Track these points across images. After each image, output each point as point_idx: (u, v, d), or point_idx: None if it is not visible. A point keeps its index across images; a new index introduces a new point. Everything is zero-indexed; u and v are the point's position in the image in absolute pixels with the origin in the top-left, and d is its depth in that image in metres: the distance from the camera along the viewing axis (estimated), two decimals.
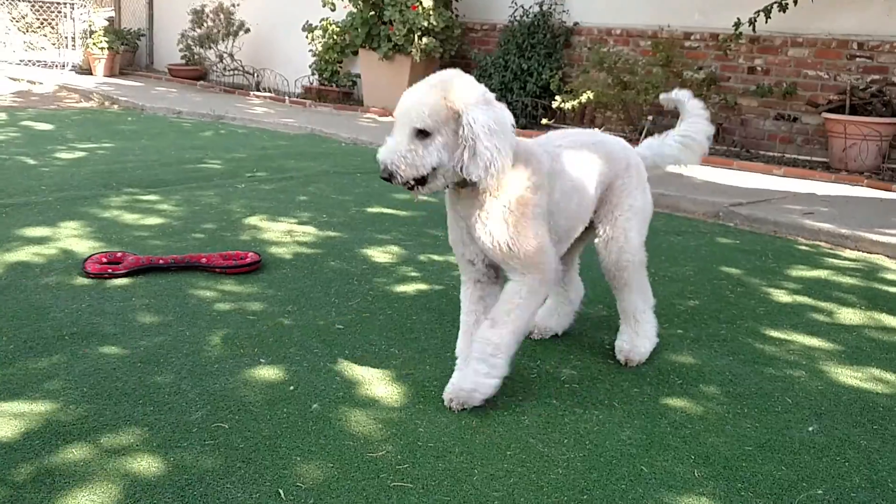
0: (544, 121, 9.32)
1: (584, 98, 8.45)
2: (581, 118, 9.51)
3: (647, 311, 2.90)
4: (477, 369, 2.42)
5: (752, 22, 7.42)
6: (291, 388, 2.55)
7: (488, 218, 2.38)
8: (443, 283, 3.64)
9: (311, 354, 2.83)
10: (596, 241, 2.84)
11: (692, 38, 8.65)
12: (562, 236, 2.64)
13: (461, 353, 2.60)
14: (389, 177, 2.23)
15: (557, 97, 8.84)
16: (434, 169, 2.25)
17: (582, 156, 2.69)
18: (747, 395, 2.67)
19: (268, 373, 2.66)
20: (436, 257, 4.09)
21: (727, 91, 8.31)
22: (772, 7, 7.26)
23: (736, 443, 2.34)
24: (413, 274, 3.80)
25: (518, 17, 9.71)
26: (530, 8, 9.65)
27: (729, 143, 8.26)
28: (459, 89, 2.25)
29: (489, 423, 2.38)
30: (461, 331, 2.64)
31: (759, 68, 8.19)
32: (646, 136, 8.25)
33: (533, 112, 9.46)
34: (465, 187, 2.36)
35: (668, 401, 2.60)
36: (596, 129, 3.02)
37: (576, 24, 9.58)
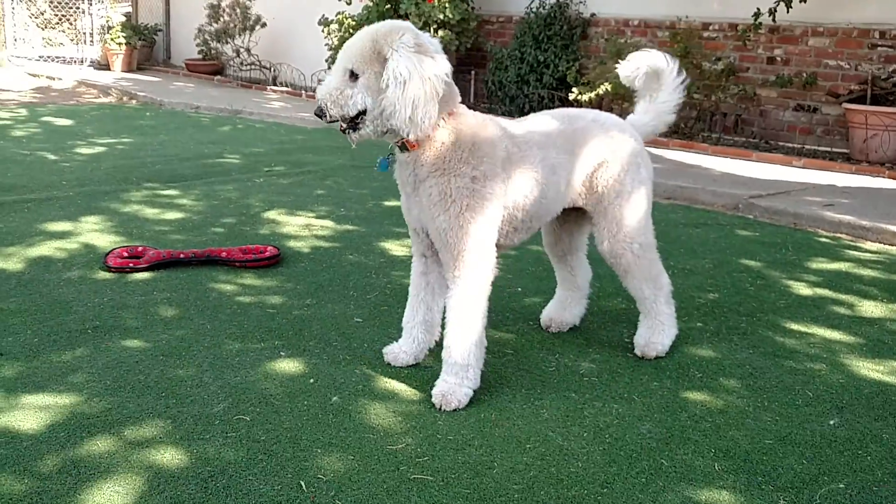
0: None
1: (601, 90, 8.41)
2: (598, 109, 9.44)
3: (660, 301, 2.81)
4: (449, 381, 2.44)
5: (772, 12, 7.34)
6: (311, 380, 2.57)
7: (428, 196, 2.35)
8: None
9: (330, 347, 2.84)
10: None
11: (711, 28, 8.57)
12: (518, 227, 2.57)
13: (405, 325, 2.72)
14: (320, 113, 2.28)
15: (574, 89, 8.80)
16: (361, 112, 2.27)
17: (554, 140, 2.57)
18: (768, 389, 2.65)
19: (288, 365, 2.68)
20: None
21: (746, 82, 8.23)
22: None
23: (756, 436, 2.33)
24: None
25: (534, 9, 9.65)
26: None
27: (748, 135, 8.18)
28: (391, 34, 2.23)
29: (508, 417, 2.39)
30: (408, 303, 2.72)
31: (778, 58, 8.10)
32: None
33: (550, 104, 9.41)
34: (405, 150, 2.36)
35: (688, 394, 2.59)
36: (585, 109, 2.89)
37: (592, 14, 9.51)
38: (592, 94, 8.53)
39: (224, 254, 3.67)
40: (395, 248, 4.12)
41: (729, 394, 2.61)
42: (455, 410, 2.40)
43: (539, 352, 2.86)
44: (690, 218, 5.20)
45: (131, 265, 3.49)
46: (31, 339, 2.76)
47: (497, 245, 2.49)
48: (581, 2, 9.54)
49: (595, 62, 9.21)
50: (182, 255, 3.62)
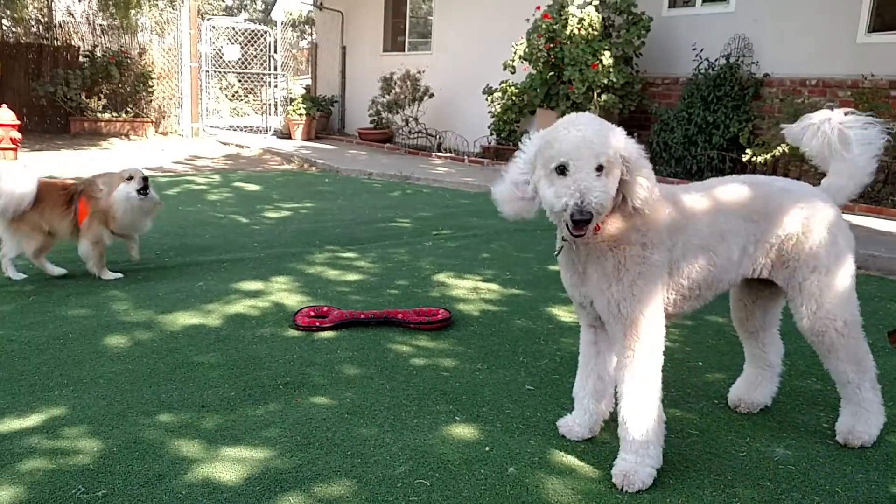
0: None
1: (777, 151, 8.03)
2: (774, 171, 9.00)
3: (864, 385, 2.57)
4: (629, 459, 2.34)
5: None
6: (487, 448, 2.57)
7: (602, 269, 2.29)
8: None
9: (503, 414, 2.84)
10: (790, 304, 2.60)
11: None
12: (686, 295, 2.43)
13: (576, 395, 2.67)
14: (588, 219, 2.10)
15: (748, 150, 8.46)
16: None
17: (727, 206, 2.44)
18: None
19: (463, 431, 2.70)
20: None
21: None
22: None
23: None
24: None
25: (703, 70, 9.46)
26: (716, 60, 9.38)
27: None
28: (610, 128, 2.20)
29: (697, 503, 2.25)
30: (577, 373, 2.67)
31: None
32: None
33: (720, 165, 9.09)
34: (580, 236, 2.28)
35: None
36: (772, 177, 2.66)
37: (766, 75, 9.16)
38: (768, 156, 8.16)
39: (400, 315, 3.80)
40: (562, 313, 4.08)
41: None
42: (638, 492, 2.30)
43: (727, 434, 2.69)
44: (887, 290, 4.77)
45: (317, 324, 3.70)
46: (229, 393, 2.97)
47: (665, 314, 2.39)
48: (754, 62, 9.23)
49: (769, 122, 8.82)
50: (363, 316, 3.79)
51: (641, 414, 2.33)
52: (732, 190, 2.51)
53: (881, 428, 2.62)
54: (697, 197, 2.46)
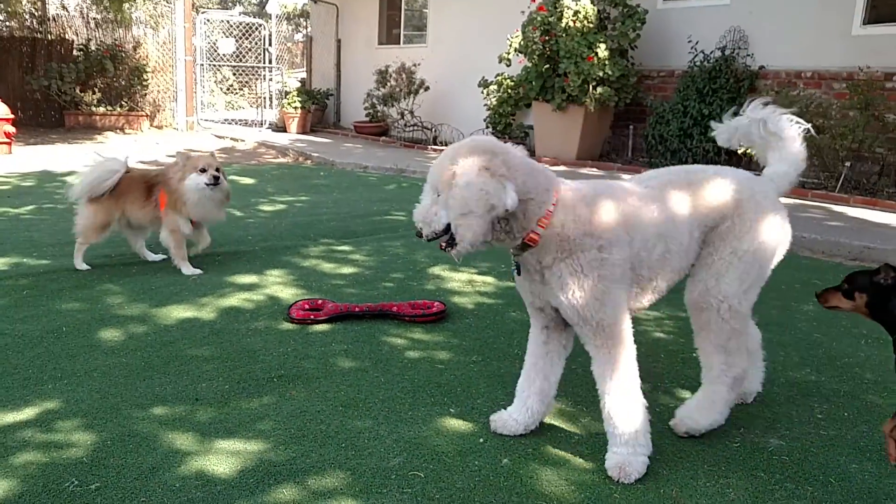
0: None
1: None
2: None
3: (724, 377, 2.52)
4: (621, 451, 2.36)
5: None
6: (481, 440, 2.57)
7: (559, 278, 2.29)
8: None
9: (498, 406, 2.83)
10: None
11: (894, 78, 7.98)
12: (644, 287, 2.43)
13: (519, 392, 2.66)
14: (419, 234, 2.33)
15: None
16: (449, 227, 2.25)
17: (675, 196, 2.45)
18: None
19: (458, 423, 2.70)
20: None
21: None
22: None
23: None
24: None
25: (698, 63, 9.45)
26: (711, 53, 9.37)
27: None
28: (464, 156, 2.22)
29: (691, 495, 2.25)
30: (524, 370, 2.66)
31: None
32: (843, 184, 7.64)
33: (715, 158, 9.09)
34: (527, 248, 2.31)
35: (893, 482, 2.34)
36: (708, 166, 2.63)
37: (761, 67, 9.16)
38: None
39: (395, 308, 3.80)
40: None
41: None
42: (632, 485, 2.30)
43: (722, 425, 2.70)
44: None
45: (312, 317, 3.70)
46: (223, 386, 2.97)
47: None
48: (749, 55, 9.22)
49: None
50: (357, 309, 3.79)
51: (626, 407, 2.34)
52: (679, 178, 2.51)
53: (713, 425, 2.58)
54: (647, 187, 2.47)
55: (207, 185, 4.37)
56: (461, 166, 2.19)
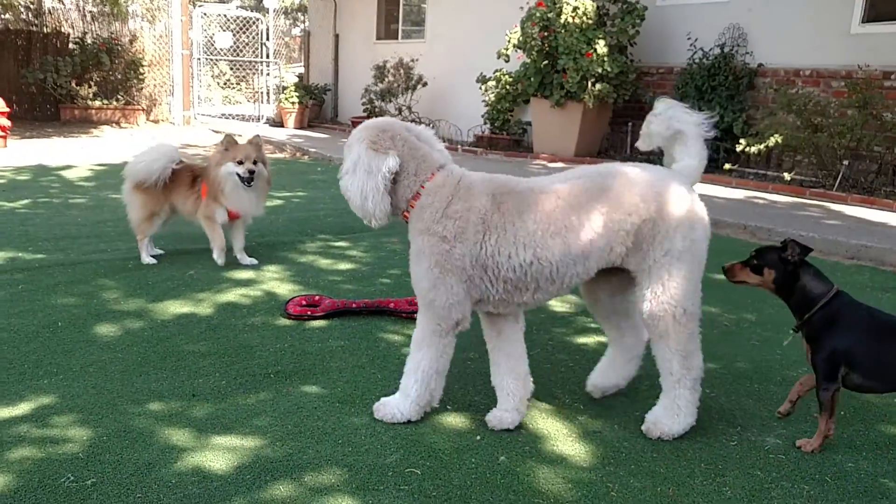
0: (727, 165, 8.93)
1: (771, 142, 8.03)
2: (767, 162, 9.02)
3: (685, 383, 2.52)
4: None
5: None
6: (478, 437, 2.57)
7: (413, 252, 2.60)
8: None
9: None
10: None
11: (893, 77, 7.98)
12: (519, 286, 2.48)
13: (495, 386, 2.74)
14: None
15: (742, 140, 8.46)
16: None
17: (573, 201, 2.45)
18: None
19: (455, 420, 2.69)
20: None
21: None
22: None
23: None
24: (593, 325, 3.73)
25: (697, 60, 9.44)
26: (710, 50, 9.37)
27: None
28: (358, 131, 2.59)
29: (688, 493, 2.25)
30: (490, 360, 2.77)
31: None
32: (841, 182, 7.65)
33: (714, 155, 9.09)
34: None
35: (887, 481, 2.34)
36: (628, 163, 2.64)
37: (760, 65, 9.16)
38: (762, 146, 8.16)
39: (392, 304, 3.79)
40: (555, 303, 4.08)
41: None
42: (629, 481, 2.30)
43: (718, 423, 2.70)
44: (878, 281, 4.79)
45: (309, 313, 3.69)
46: (220, 382, 2.96)
47: (507, 303, 2.54)
48: (748, 52, 9.22)
49: (763, 113, 8.82)
50: (354, 305, 3.78)
51: (414, 370, 2.62)
52: (588, 180, 2.51)
53: (685, 429, 2.58)
54: (531, 189, 2.50)
55: (241, 178, 4.32)
56: (351, 136, 2.58)
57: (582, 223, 2.44)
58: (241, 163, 4.34)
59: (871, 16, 8.34)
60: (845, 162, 7.94)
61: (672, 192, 2.48)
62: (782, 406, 2.66)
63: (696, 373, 2.54)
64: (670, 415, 2.56)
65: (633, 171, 2.52)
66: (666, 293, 2.45)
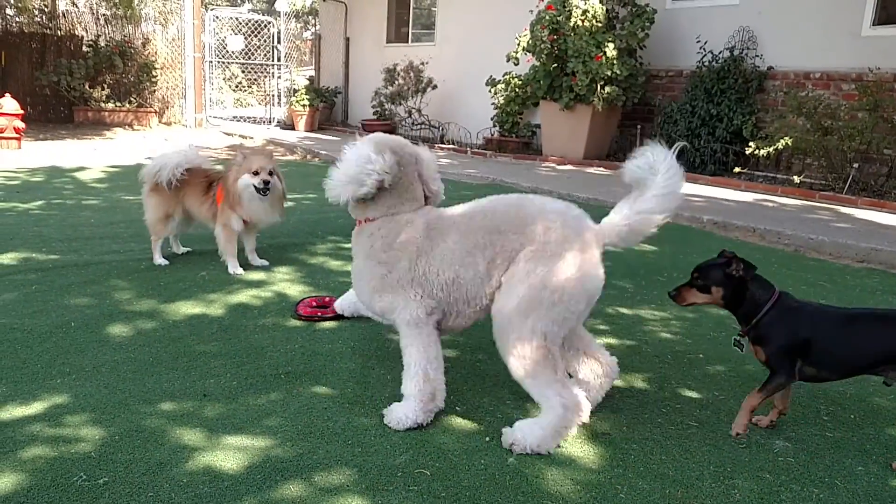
0: (737, 168, 8.90)
1: (780, 144, 8.01)
2: (777, 165, 8.99)
3: (552, 399, 2.46)
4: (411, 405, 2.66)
5: None
6: (487, 439, 2.58)
7: (354, 269, 2.83)
8: (634, 339, 3.53)
9: (503, 405, 2.84)
10: None
11: None
12: (450, 311, 2.67)
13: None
14: None
15: (751, 143, 8.44)
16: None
17: (474, 228, 2.61)
18: None
19: (464, 422, 2.70)
20: (624, 310, 3.99)
21: None
22: None
23: None
24: (601, 327, 3.73)
25: (706, 63, 9.43)
26: (720, 53, 9.35)
27: None
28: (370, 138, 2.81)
29: (696, 496, 2.26)
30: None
31: None
32: (851, 185, 7.61)
33: (723, 158, 9.07)
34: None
35: None
36: (531, 195, 2.69)
37: (770, 68, 9.14)
38: (771, 149, 8.14)
39: None
40: None
41: None
42: (635, 482, 2.30)
43: (727, 425, 2.70)
44: (888, 284, 4.76)
45: (319, 314, 3.71)
46: (231, 382, 2.98)
47: (443, 326, 2.71)
48: (758, 55, 9.20)
49: (773, 115, 8.80)
50: None
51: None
52: (494, 209, 2.65)
53: (544, 444, 2.50)
54: (452, 217, 2.70)
55: (257, 189, 4.32)
56: (359, 141, 2.78)
57: (481, 255, 2.59)
58: (256, 173, 4.35)
59: (882, 18, 8.31)
60: (855, 165, 7.91)
61: (560, 229, 2.49)
62: (768, 416, 2.70)
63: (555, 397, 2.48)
64: (534, 428, 2.50)
65: (528, 208, 2.60)
66: (505, 308, 2.51)
